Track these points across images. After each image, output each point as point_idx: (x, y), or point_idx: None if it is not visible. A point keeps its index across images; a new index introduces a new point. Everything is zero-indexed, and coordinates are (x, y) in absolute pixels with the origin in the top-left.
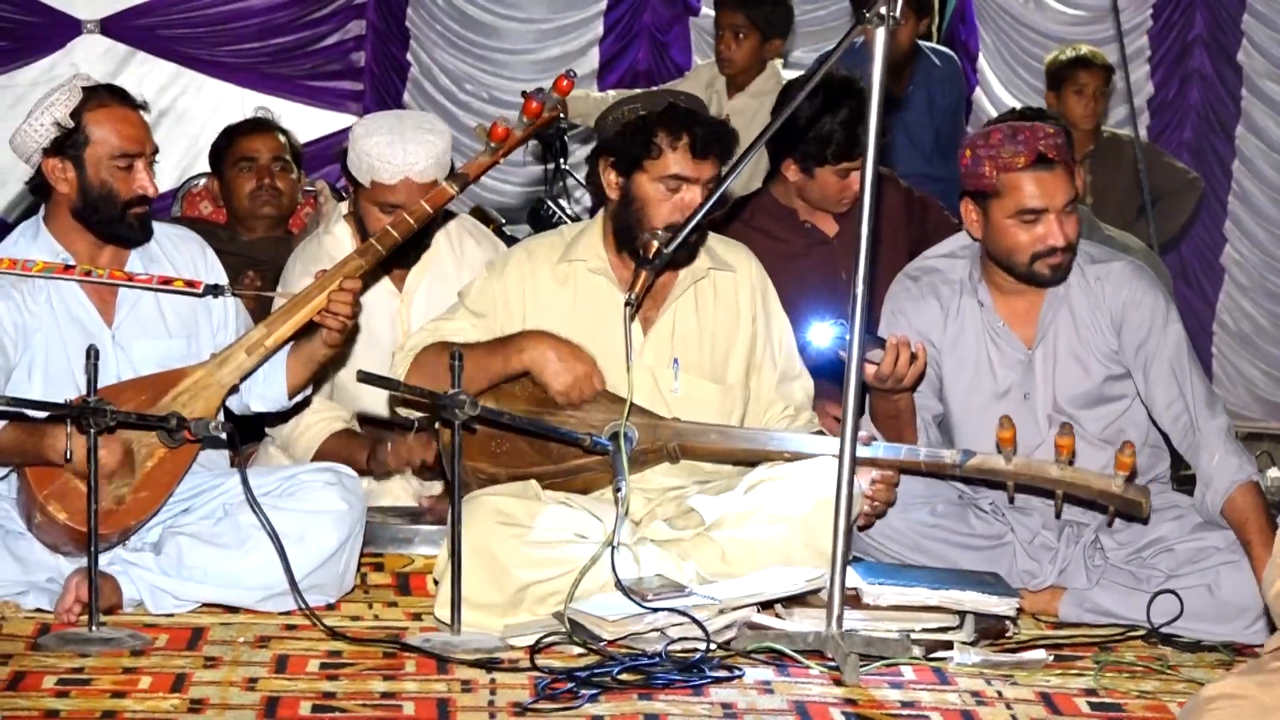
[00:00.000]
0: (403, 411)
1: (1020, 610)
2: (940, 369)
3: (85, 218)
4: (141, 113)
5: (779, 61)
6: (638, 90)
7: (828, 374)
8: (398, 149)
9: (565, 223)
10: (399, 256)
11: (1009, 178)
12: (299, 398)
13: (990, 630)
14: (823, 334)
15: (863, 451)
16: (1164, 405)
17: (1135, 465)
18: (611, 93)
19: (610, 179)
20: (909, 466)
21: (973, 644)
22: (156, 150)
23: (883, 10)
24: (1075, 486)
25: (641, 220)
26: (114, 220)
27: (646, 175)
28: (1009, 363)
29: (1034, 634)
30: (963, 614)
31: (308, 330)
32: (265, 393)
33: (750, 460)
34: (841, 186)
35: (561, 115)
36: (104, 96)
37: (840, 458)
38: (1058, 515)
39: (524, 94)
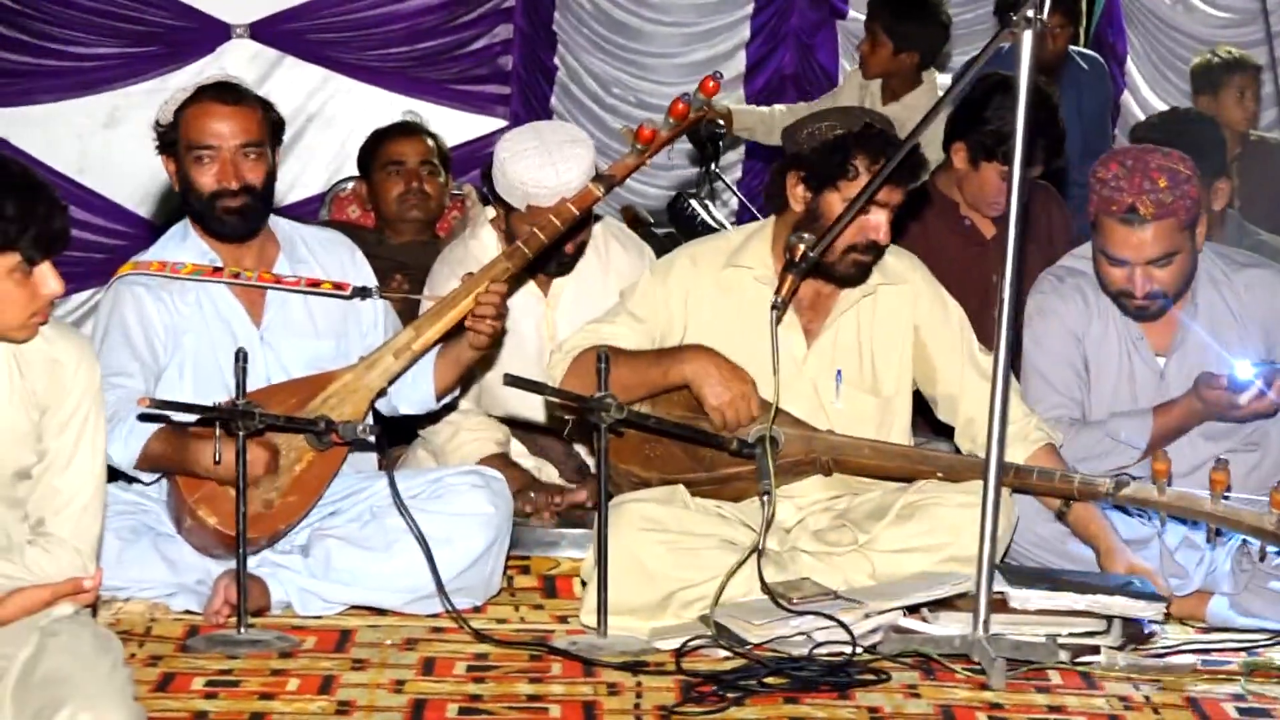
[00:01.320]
0: (558, 414)
1: (1167, 614)
2: (1088, 371)
3: (189, 212)
4: (243, 107)
5: (935, 72)
6: (800, 105)
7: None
8: (550, 172)
9: (704, 223)
10: (545, 261)
11: (1102, 217)
12: (446, 399)
13: (1137, 635)
14: (1245, 369)
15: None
16: None
17: None
18: (779, 107)
19: (798, 193)
20: (1061, 492)
21: (1119, 648)
22: (257, 143)
23: (1030, 14)
24: (1228, 522)
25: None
26: (204, 213)
27: (838, 194)
28: (1145, 375)
29: (1181, 638)
30: (1109, 618)
31: (454, 333)
32: (412, 395)
33: (904, 476)
34: (998, 189)
35: (719, 124)
36: (206, 92)
37: (986, 473)
38: (1210, 543)
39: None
